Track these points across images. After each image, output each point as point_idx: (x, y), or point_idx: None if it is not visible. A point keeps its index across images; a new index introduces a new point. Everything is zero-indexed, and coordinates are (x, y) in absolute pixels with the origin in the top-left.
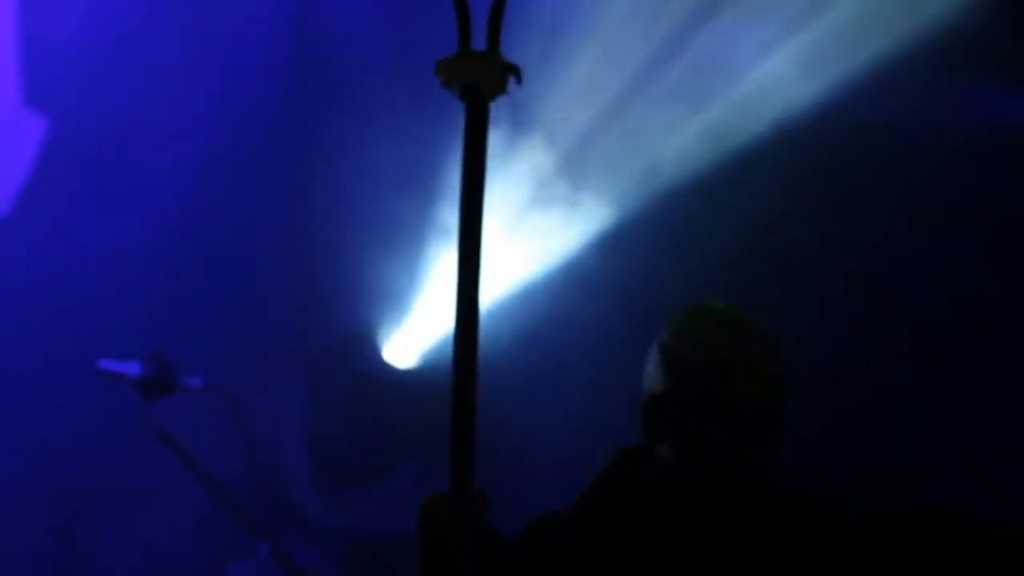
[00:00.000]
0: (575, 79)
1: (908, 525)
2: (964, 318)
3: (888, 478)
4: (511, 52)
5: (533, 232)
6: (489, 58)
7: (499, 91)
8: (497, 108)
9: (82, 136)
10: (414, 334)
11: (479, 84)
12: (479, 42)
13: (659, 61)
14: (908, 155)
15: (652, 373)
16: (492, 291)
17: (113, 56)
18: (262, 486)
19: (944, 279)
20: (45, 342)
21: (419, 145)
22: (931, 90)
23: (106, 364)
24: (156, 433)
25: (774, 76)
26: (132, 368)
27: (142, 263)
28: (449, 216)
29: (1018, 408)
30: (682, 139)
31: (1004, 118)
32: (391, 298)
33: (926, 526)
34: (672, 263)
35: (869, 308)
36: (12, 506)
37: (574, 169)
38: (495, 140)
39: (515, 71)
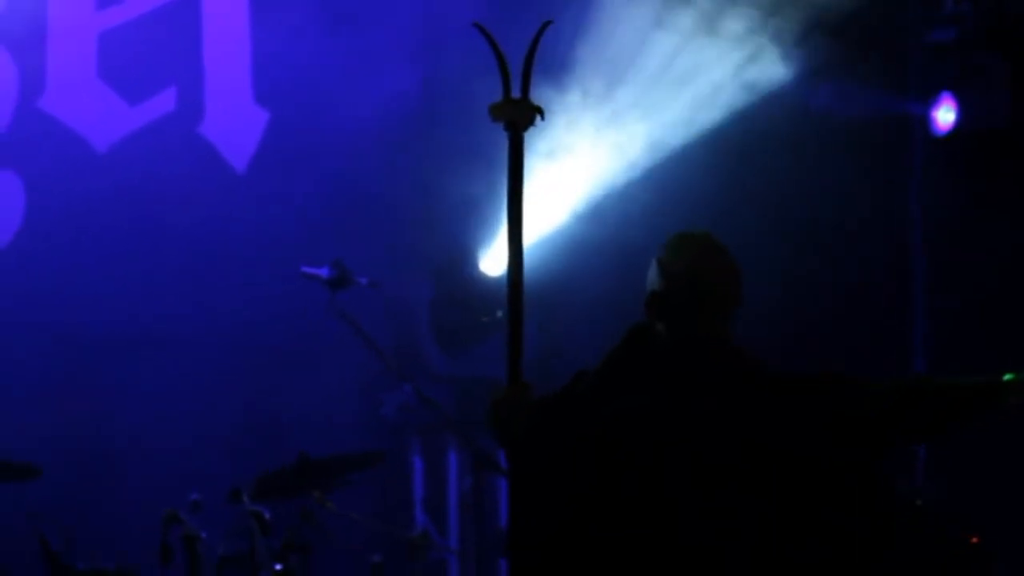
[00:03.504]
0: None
1: (822, 377)
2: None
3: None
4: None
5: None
6: (523, 103)
7: (530, 125)
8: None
9: (292, 122)
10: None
11: (516, 121)
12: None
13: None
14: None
15: (652, 277)
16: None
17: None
18: (405, 348)
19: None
20: (268, 253)
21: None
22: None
23: (306, 268)
24: (338, 314)
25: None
26: (323, 271)
27: (329, 203)
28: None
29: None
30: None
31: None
32: (488, 225)
33: (832, 378)
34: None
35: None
36: (236, 358)
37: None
38: None
39: (540, 111)
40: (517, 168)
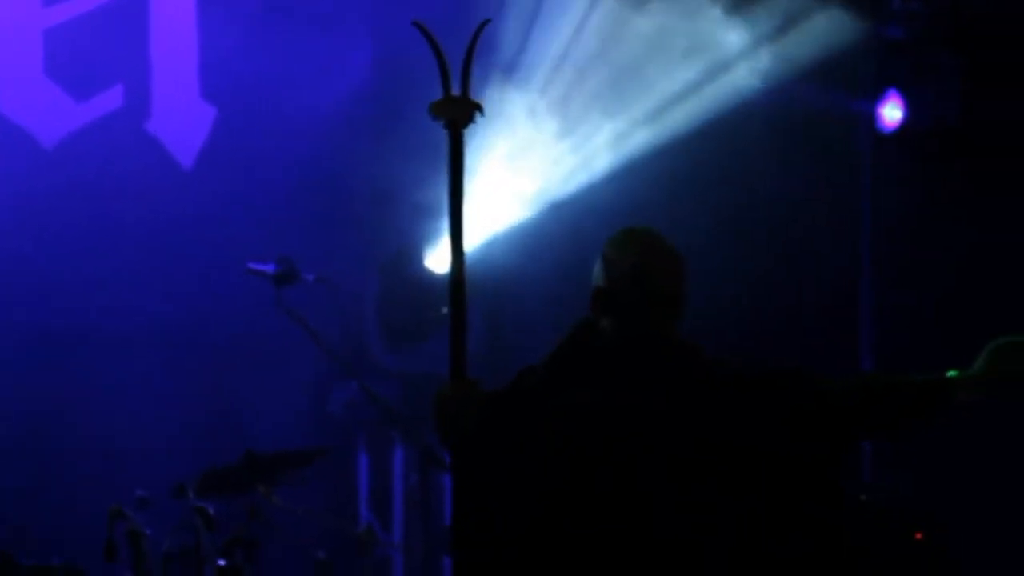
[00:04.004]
0: None
1: (777, 373)
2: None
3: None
4: None
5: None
6: (462, 100)
7: (470, 123)
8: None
9: (239, 118)
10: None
11: (456, 119)
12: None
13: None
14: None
15: (597, 273)
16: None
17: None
18: (352, 344)
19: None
20: (215, 250)
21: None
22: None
23: (252, 264)
24: (285, 310)
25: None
26: (269, 267)
27: (276, 199)
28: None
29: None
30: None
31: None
32: (435, 221)
33: (787, 374)
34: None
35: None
36: (181, 354)
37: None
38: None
39: (479, 108)
40: (457, 166)
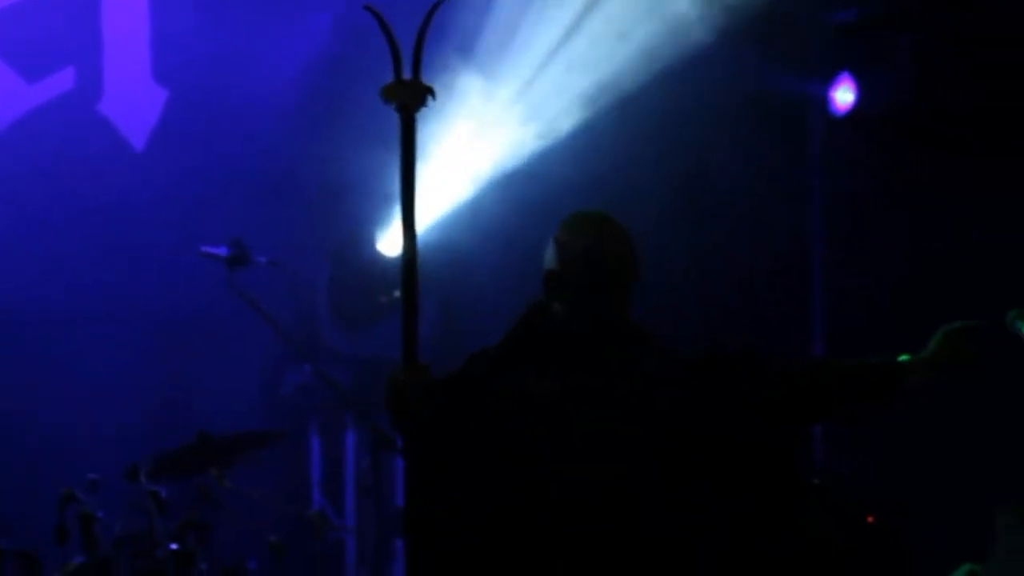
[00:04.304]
0: None
1: (731, 357)
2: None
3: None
4: None
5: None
6: (414, 84)
7: (421, 106)
8: None
9: (191, 100)
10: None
11: (408, 103)
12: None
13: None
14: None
15: (549, 257)
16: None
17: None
18: (304, 327)
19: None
20: (167, 232)
21: None
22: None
23: (205, 247)
24: (238, 293)
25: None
26: (222, 250)
27: (228, 181)
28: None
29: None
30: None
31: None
32: (387, 205)
33: (742, 358)
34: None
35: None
36: (133, 337)
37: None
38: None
39: (431, 92)
40: (409, 150)
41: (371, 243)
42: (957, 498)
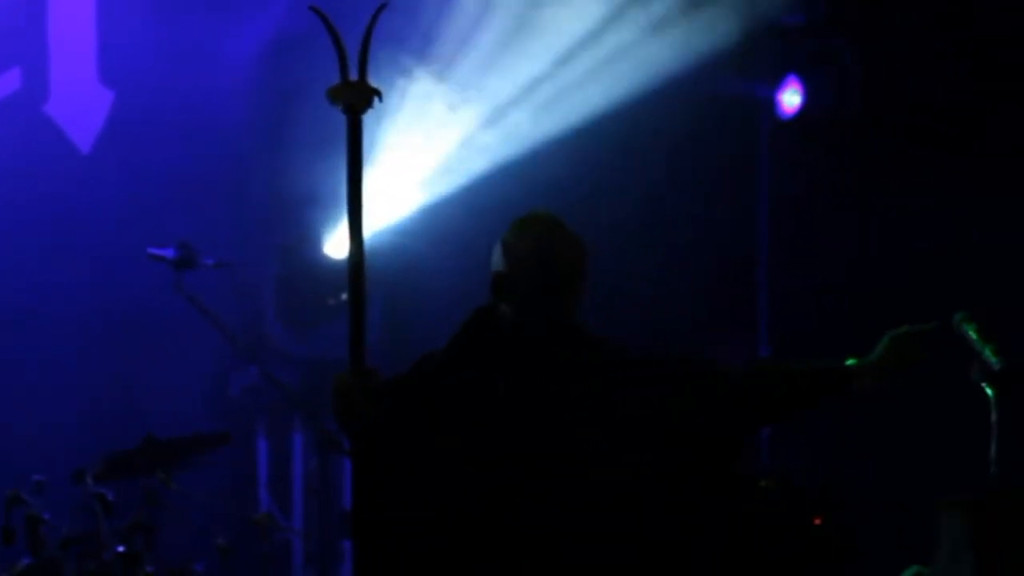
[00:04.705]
0: None
1: (679, 360)
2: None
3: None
4: None
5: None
6: (360, 85)
7: (368, 108)
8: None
9: (138, 102)
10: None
11: (354, 104)
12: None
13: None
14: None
15: (497, 259)
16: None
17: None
18: (251, 328)
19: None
20: (114, 234)
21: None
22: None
23: (152, 249)
24: (185, 295)
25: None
26: (169, 252)
27: (175, 183)
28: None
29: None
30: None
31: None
32: (334, 207)
33: (690, 361)
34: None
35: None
36: (80, 339)
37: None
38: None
39: (378, 93)
40: (356, 152)
41: (319, 245)
42: (905, 499)
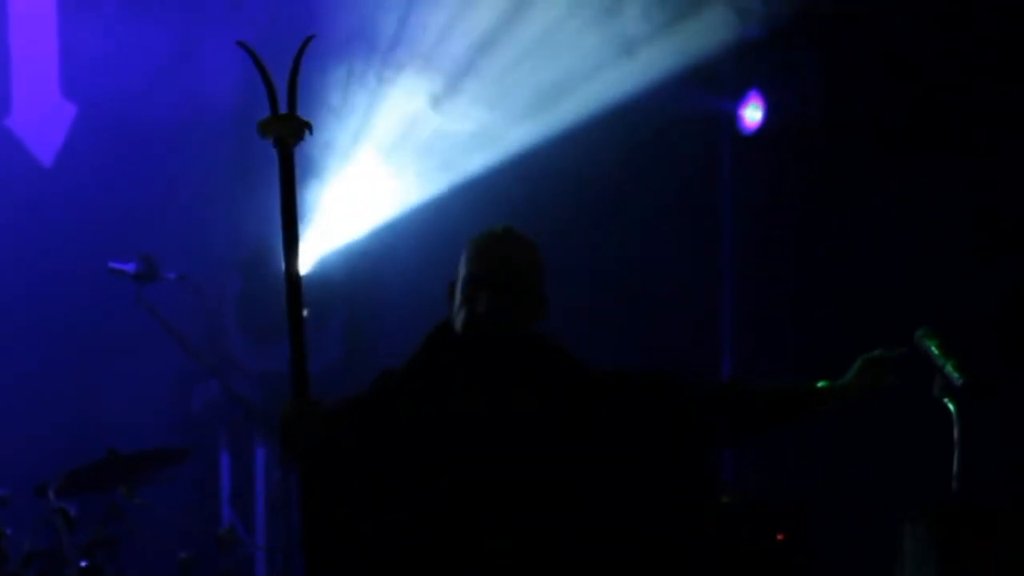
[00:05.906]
0: None
1: (643, 375)
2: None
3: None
4: None
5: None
6: (290, 118)
7: (299, 140)
8: None
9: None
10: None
11: (285, 137)
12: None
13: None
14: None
15: (455, 270)
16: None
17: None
18: (213, 342)
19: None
20: (75, 248)
21: None
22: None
23: (113, 264)
24: (147, 309)
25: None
26: (130, 266)
27: (136, 197)
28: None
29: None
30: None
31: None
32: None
33: (655, 377)
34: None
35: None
36: (42, 354)
37: None
38: None
39: (308, 126)
40: (288, 183)
41: (279, 259)
42: (868, 513)
